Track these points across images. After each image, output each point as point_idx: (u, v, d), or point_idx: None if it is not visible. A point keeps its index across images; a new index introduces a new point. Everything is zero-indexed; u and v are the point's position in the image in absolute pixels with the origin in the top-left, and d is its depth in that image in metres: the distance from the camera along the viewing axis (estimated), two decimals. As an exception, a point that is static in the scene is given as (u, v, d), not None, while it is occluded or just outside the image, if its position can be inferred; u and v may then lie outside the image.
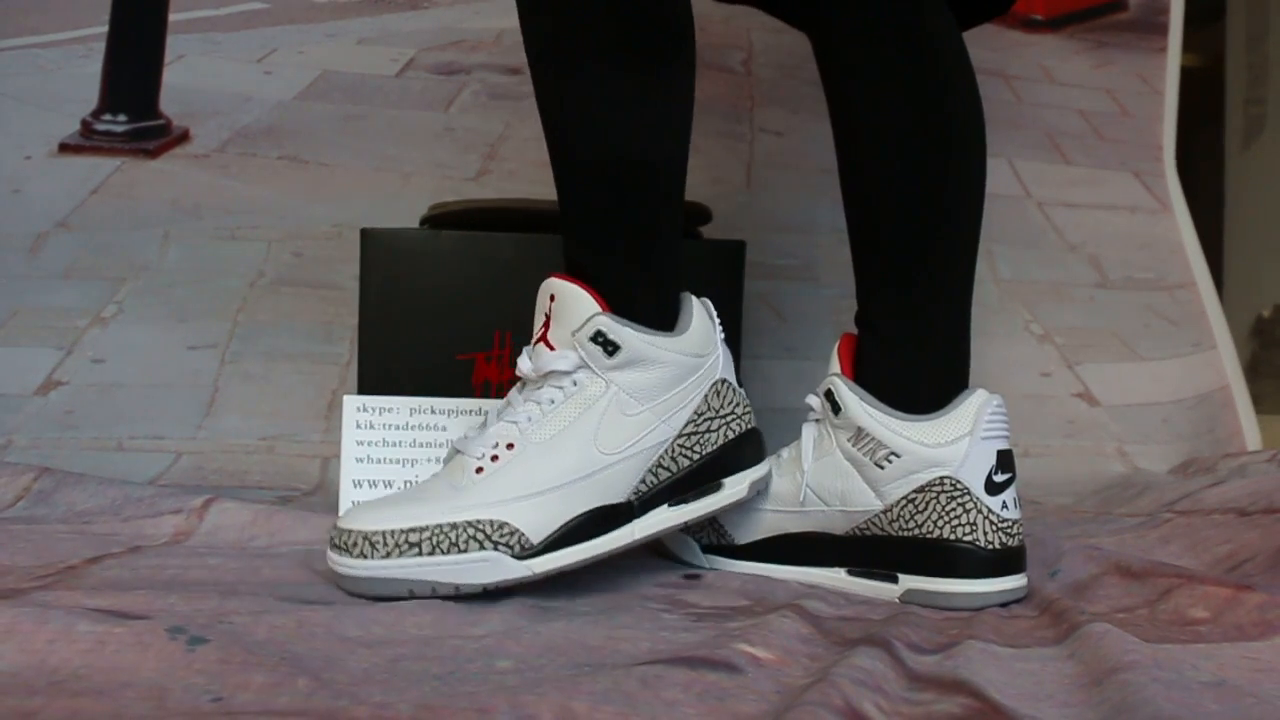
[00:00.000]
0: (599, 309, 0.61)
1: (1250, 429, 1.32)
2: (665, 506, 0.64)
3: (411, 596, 0.56)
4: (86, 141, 1.29)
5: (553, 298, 0.63)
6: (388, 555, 0.57)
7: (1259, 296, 1.74)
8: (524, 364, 0.63)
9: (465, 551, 0.57)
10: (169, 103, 1.31)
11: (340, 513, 0.83)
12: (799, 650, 0.50)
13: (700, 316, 0.66)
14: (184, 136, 1.30)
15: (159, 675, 0.42)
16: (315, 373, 1.21)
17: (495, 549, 0.58)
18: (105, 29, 1.31)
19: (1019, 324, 1.37)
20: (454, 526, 0.57)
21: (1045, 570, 0.69)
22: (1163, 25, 1.50)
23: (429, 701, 0.39)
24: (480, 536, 0.57)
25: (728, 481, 0.65)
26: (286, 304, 1.24)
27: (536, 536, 0.59)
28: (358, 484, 0.84)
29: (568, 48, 0.63)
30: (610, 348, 0.61)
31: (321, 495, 1.01)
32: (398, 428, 0.85)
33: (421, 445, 0.85)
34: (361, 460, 0.84)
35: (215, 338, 1.22)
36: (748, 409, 0.67)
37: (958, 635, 0.54)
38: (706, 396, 0.65)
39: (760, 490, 0.68)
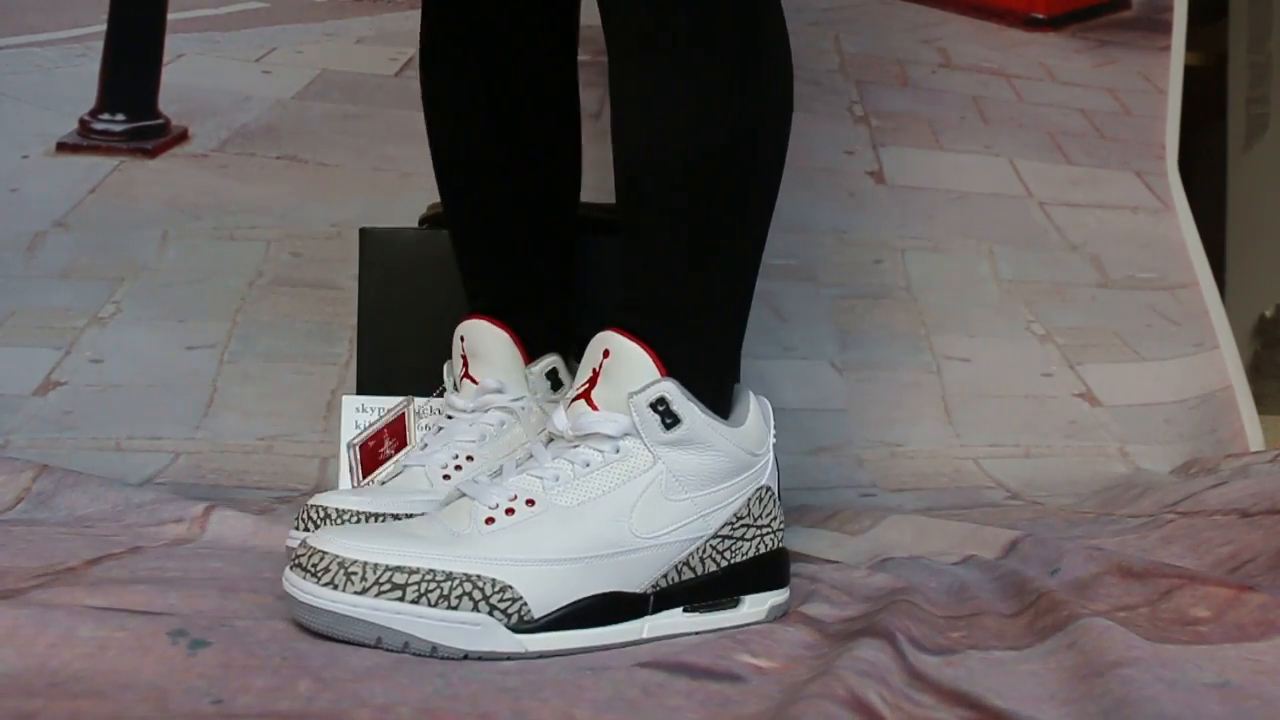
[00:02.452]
0: (662, 374, 0.55)
1: (1252, 429, 1.32)
2: (680, 610, 0.56)
3: (377, 646, 0.48)
4: (84, 141, 1.28)
5: (607, 353, 0.56)
6: (363, 592, 0.48)
7: (1261, 296, 1.73)
8: (559, 420, 0.57)
9: (455, 608, 0.49)
10: (168, 102, 1.30)
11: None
12: (804, 655, 0.50)
13: (757, 413, 0.60)
14: (183, 136, 1.30)
15: (160, 678, 0.42)
16: (314, 373, 1.21)
17: (490, 613, 0.50)
18: (104, 28, 1.31)
19: (1020, 324, 1.37)
20: (449, 576, 0.49)
21: (1045, 569, 0.69)
22: (1165, 24, 1.50)
23: (431, 705, 0.39)
24: (477, 595, 0.50)
25: (747, 600, 0.59)
26: (285, 304, 1.24)
27: (539, 610, 0.51)
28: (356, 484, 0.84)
29: (652, 33, 0.57)
30: (670, 420, 0.55)
31: (321, 496, 1.01)
32: (398, 428, 0.85)
33: (422, 446, 0.85)
34: (361, 461, 0.84)
35: (214, 338, 1.22)
36: (782, 525, 0.62)
37: (959, 640, 0.54)
38: (749, 501, 0.58)
39: (778, 617, 0.61)
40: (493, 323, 0.72)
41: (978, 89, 1.45)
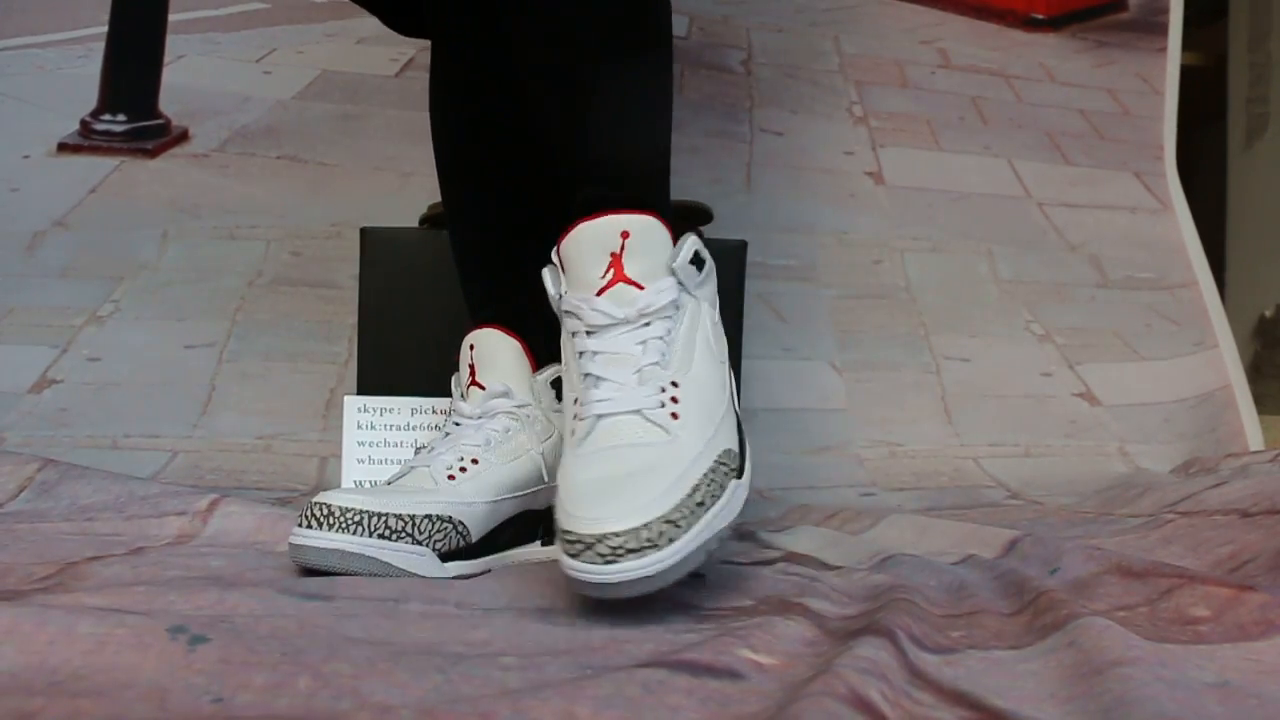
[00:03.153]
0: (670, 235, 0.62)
1: (1252, 429, 1.32)
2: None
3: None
4: (85, 141, 1.28)
5: (626, 234, 0.60)
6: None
7: (1261, 296, 1.74)
8: (612, 309, 0.60)
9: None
10: (168, 102, 1.30)
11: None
12: (804, 653, 0.50)
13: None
14: (183, 136, 1.30)
15: (160, 675, 0.42)
16: (313, 372, 1.21)
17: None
18: (105, 29, 1.31)
19: (1020, 324, 1.37)
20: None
21: (1045, 569, 0.69)
22: (1163, 25, 1.50)
23: (431, 705, 0.39)
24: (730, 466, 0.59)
25: None
26: (285, 303, 1.24)
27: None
28: (359, 484, 0.84)
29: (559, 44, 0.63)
30: (699, 263, 0.62)
31: (321, 495, 1.01)
32: (399, 428, 0.85)
33: (422, 445, 0.85)
34: (363, 461, 0.84)
35: (213, 336, 1.22)
36: None
37: (959, 639, 0.54)
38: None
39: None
40: (504, 332, 0.73)
41: (977, 89, 1.46)
